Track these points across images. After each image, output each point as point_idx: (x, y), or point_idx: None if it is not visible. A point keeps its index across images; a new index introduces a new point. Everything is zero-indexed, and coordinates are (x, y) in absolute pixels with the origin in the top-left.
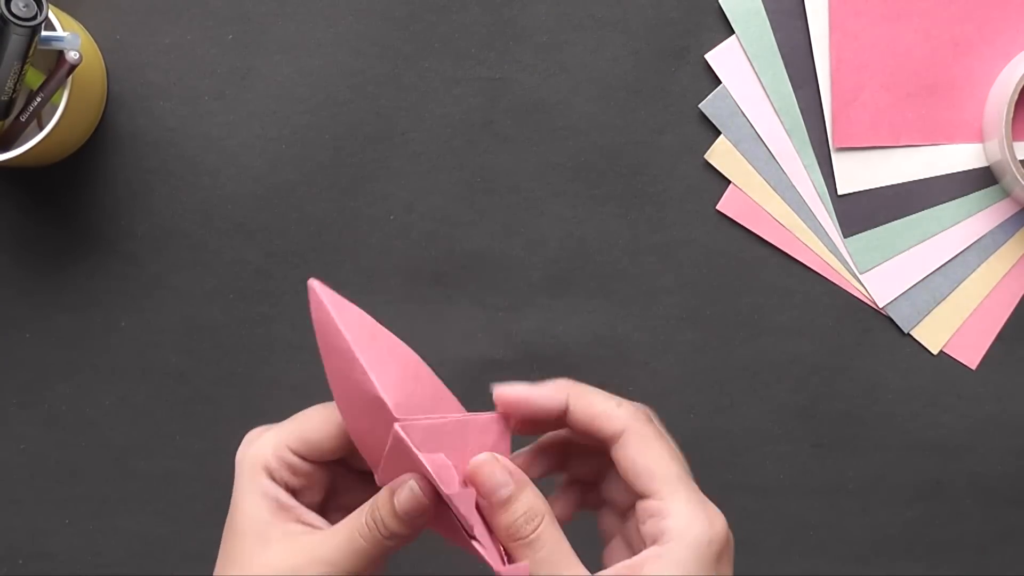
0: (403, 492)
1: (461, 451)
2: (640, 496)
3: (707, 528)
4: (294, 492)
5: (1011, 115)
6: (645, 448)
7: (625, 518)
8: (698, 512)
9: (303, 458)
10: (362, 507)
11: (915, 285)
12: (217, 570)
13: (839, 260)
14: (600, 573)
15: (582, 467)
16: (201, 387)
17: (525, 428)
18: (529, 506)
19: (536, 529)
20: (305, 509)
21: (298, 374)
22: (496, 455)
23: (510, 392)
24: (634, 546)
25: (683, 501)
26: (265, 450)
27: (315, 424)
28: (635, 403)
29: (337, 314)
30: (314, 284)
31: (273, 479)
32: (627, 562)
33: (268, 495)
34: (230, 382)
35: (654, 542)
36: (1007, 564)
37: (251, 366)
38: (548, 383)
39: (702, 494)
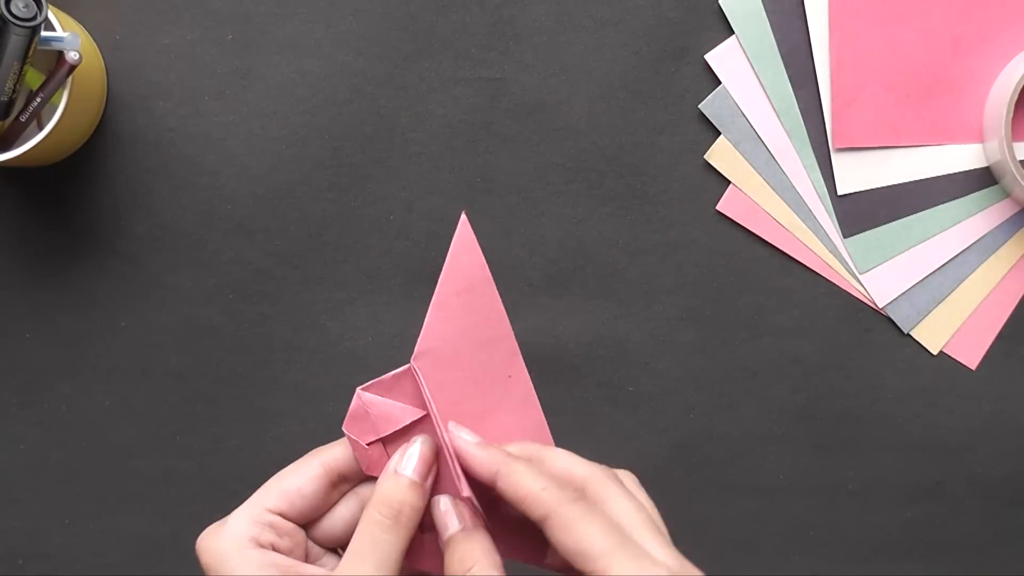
0: (411, 452)
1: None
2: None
3: None
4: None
5: (1011, 115)
6: (570, 531)
7: None
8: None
9: (284, 516)
10: (361, 522)
11: (915, 285)
12: None
13: (839, 260)
14: None
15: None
16: (201, 387)
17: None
18: (462, 554)
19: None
20: (302, 564)
21: (298, 374)
22: (448, 498)
23: (455, 442)
24: None
25: (620, 567)
26: (241, 524)
27: (289, 474)
28: (587, 468)
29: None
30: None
31: (260, 546)
32: None
33: (264, 564)
34: (230, 382)
35: None
36: (1007, 564)
37: (251, 366)
38: (491, 449)
39: (647, 558)
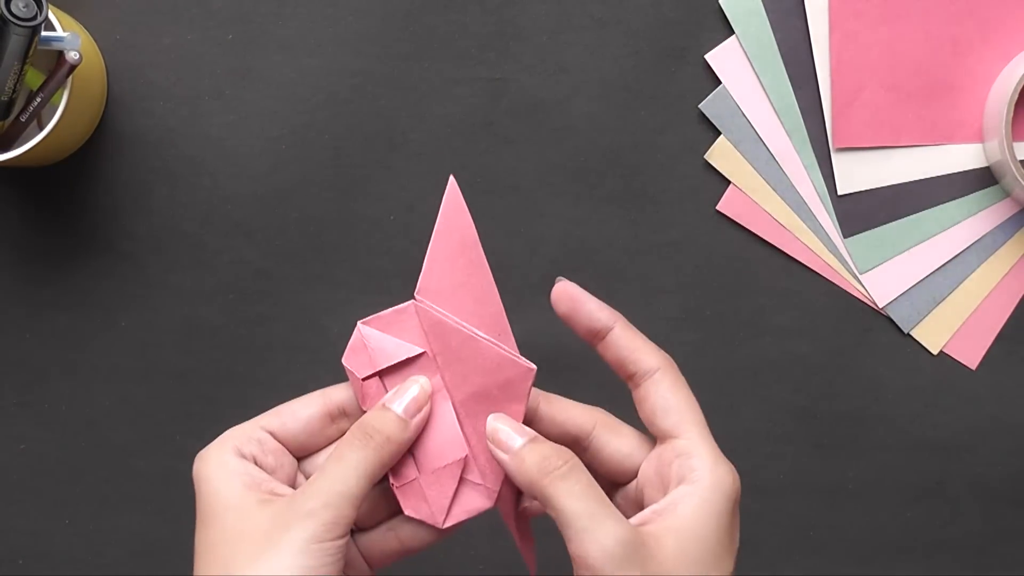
0: (406, 390)
1: (476, 375)
2: (663, 435)
3: (731, 475)
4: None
5: (1011, 115)
6: (678, 389)
7: (613, 488)
8: (721, 459)
9: (274, 435)
10: (343, 440)
11: (915, 285)
12: (198, 569)
13: (839, 260)
14: (638, 516)
15: (580, 416)
16: (201, 387)
17: (566, 321)
18: (555, 446)
19: (570, 460)
20: (278, 482)
21: (298, 374)
22: (503, 415)
23: (570, 290)
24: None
25: (710, 446)
26: (230, 435)
27: (292, 404)
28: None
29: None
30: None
31: (242, 455)
32: (659, 505)
33: (238, 472)
34: (230, 382)
35: (680, 482)
36: (1007, 564)
37: (251, 366)
38: (603, 305)
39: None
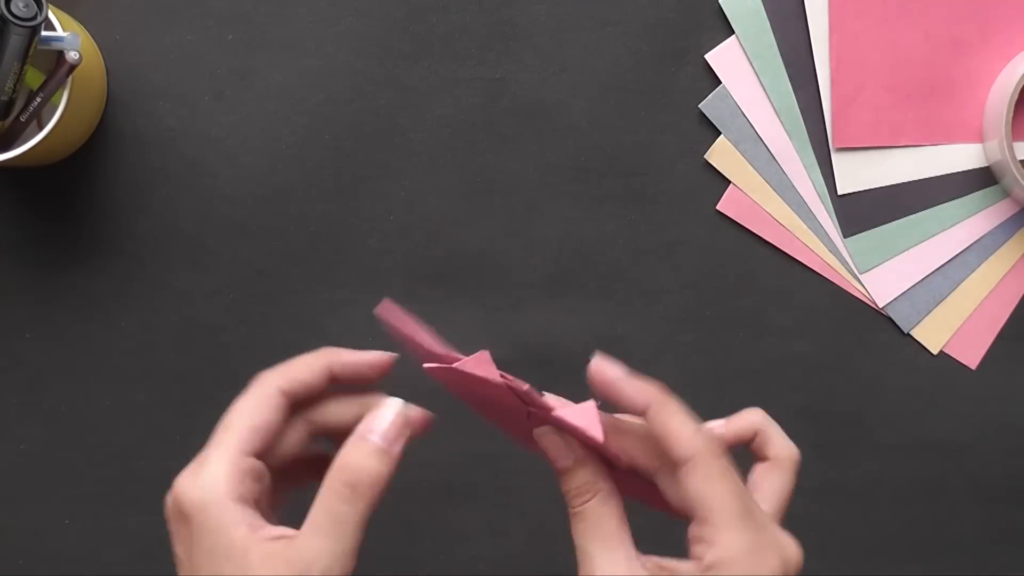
0: (381, 416)
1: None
2: (697, 522)
3: (751, 568)
4: (256, 504)
5: (1011, 115)
6: (707, 482)
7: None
8: (747, 554)
9: (256, 456)
10: (321, 489)
11: (915, 285)
12: None
13: (839, 260)
14: (653, 557)
15: (645, 456)
16: (201, 387)
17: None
18: (582, 482)
19: (585, 504)
20: (272, 526)
21: None
22: (551, 429)
23: (606, 372)
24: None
25: (735, 533)
26: (222, 474)
27: (258, 414)
28: (707, 431)
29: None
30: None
31: (243, 501)
32: (666, 561)
33: (242, 523)
34: (230, 382)
35: (696, 560)
36: (1007, 564)
37: (251, 366)
38: (640, 381)
39: (766, 534)
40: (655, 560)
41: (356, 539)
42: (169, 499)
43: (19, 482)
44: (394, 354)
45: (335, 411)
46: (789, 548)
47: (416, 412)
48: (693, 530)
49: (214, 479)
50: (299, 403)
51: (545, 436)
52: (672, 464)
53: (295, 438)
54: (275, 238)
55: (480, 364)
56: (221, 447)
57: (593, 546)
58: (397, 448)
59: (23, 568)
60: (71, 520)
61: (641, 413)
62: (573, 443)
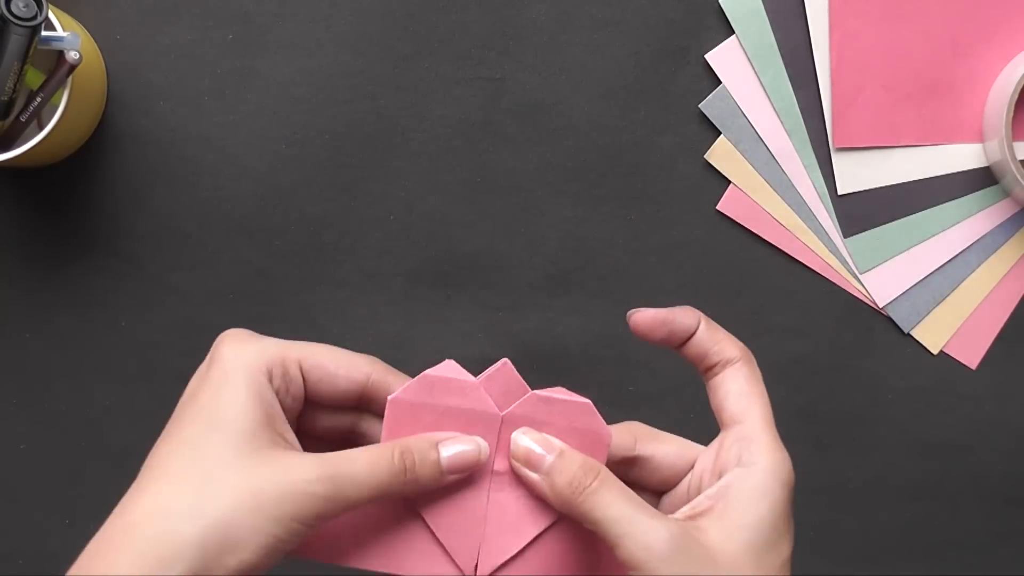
0: (461, 445)
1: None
2: (728, 421)
3: (787, 462)
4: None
5: (1011, 115)
6: (753, 381)
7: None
8: (779, 447)
9: (306, 380)
10: (375, 446)
11: (915, 285)
12: (168, 446)
13: (839, 260)
14: (691, 503)
15: (619, 436)
16: None
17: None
18: (582, 460)
19: (598, 476)
20: (289, 428)
21: None
22: (529, 429)
23: (651, 315)
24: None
25: (770, 435)
26: (270, 352)
27: (337, 358)
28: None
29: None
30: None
31: (271, 379)
32: (712, 489)
33: (264, 399)
34: None
35: (736, 464)
36: (1007, 564)
37: None
38: (684, 311)
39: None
40: (678, 515)
41: (367, 496)
42: (218, 339)
43: (19, 482)
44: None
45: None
46: (789, 463)
47: (486, 451)
48: (727, 436)
49: (261, 351)
50: (371, 409)
51: (526, 433)
52: (718, 367)
53: (345, 392)
54: (275, 238)
55: (450, 370)
56: (288, 343)
57: (634, 510)
58: (451, 479)
59: (23, 568)
60: (71, 520)
61: (694, 329)
62: (548, 437)
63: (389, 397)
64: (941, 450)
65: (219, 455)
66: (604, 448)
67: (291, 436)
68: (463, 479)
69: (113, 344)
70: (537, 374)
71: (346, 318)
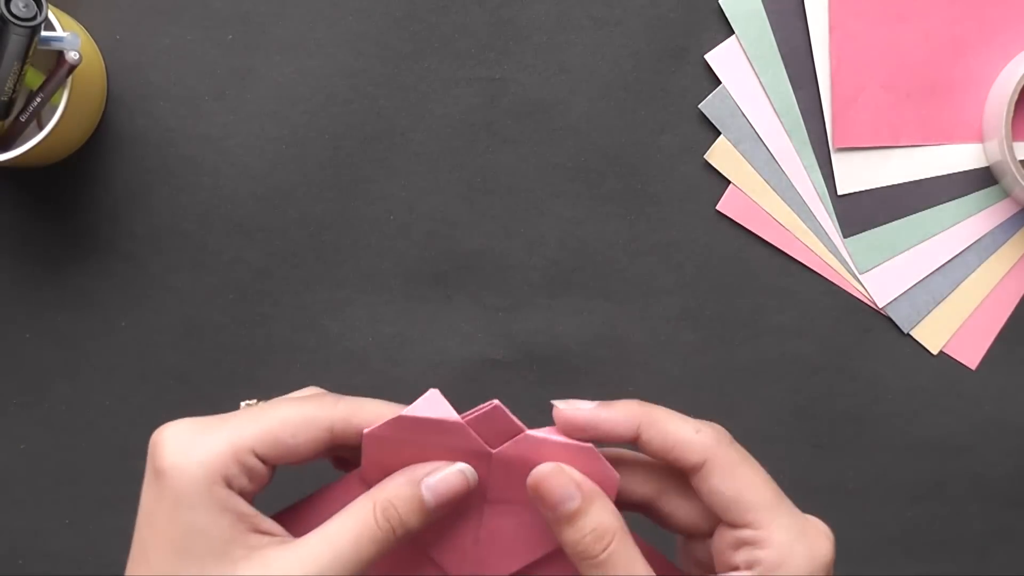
0: (448, 475)
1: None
2: (731, 526)
3: (807, 561)
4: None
5: (1011, 115)
6: (731, 477)
7: (692, 539)
8: (798, 542)
9: (265, 461)
10: (353, 509)
11: (915, 285)
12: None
13: (839, 260)
14: None
15: (640, 485)
16: (201, 387)
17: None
18: (598, 523)
19: (607, 548)
20: (262, 516)
21: (298, 374)
22: (562, 465)
23: (574, 415)
24: (704, 565)
25: (782, 529)
26: (220, 455)
27: (291, 426)
28: (712, 424)
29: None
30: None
31: (230, 487)
32: None
33: (228, 509)
34: (230, 382)
35: (747, 569)
36: (1007, 564)
37: (251, 366)
38: (616, 405)
39: (800, 515)
40: None
41: (361, 567)
42: (157, 440)
43: (19, 482)
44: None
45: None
46: (823, 526)
47: (474, 478)
48: (725, 537)
49: (209, 457)
50: (344, 446)
51: (549, 476)
52: (683, 475)
53: (313, 453)
54: (275, 238)
55: (432, 405)
56: (230, 430)
57: None
58: (440, 514)
59: (23, 568)
60: (71, 520)
61: (632, 437)
62: (579, 476)
63: (364, 432)
64: (941, 450)
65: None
66: (612, 492)
67: (266, 524)
68: (454, 509)
69: (113, 344)
70: (537, 374)
71: (346, 318)
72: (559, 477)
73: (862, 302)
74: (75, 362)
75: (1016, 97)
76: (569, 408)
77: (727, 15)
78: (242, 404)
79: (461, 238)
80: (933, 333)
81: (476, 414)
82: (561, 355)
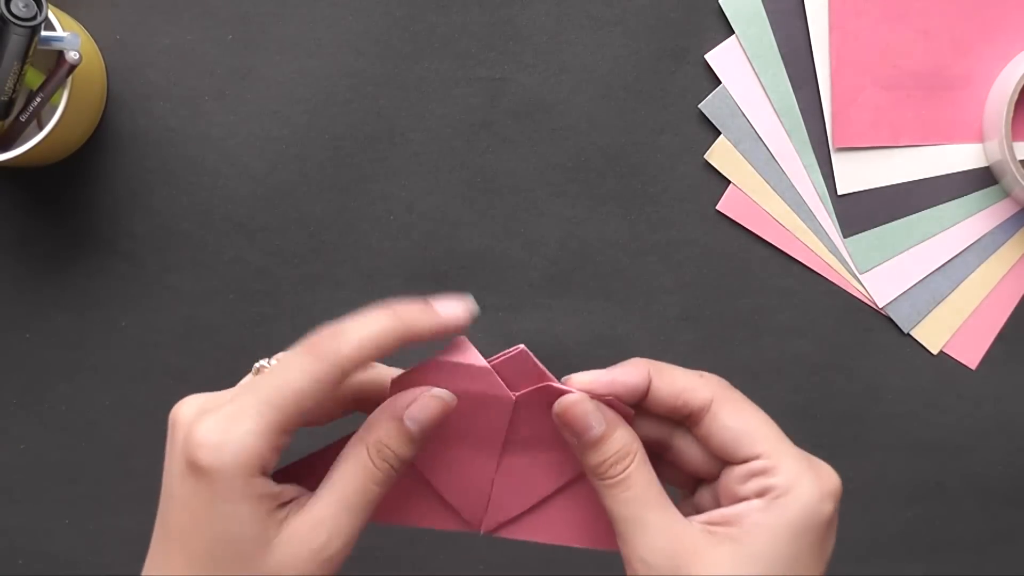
0: (425, 402)
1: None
2: (741, 461)
3: (816, 487)
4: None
5: (1011, 115)
6: (738, 413)
7: (695, 489)
8: (806, 470)
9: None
10: (350, 456)
11: (915, 285)
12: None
13: (839, 260)
14: (697, 516)
15: (654, 428)
16: (201, 387)
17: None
18: (621, 445)
19: (626, 469)
20: (283, 487)
21: None
22: (585, 395)
23: (588, 380)
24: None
25: (790, 458)
26: (257, 447)
27: (311, 396)
28: (712, 374)
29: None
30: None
31: (264, 474)
32: (725, 510)
33: (263, 495)
34: (230, 382)
35: (758, 497)
36: (1007, 564)
37: (251, 366)
38: (626, 363)
39: (806, 453)
40: (699, 519)
41: (366, 500)
42: (184, 428)
43: (19, 482)
44: (468, 309)
45: (376, 379)
46: (830, 469)
47: (452, 399)
48: (732, 474)
49: (245, 447)
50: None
51: (574, 404)
52: (694, 418)
53: (328, 406)
54: (275, 238)
55: (461, 351)
56: (263, 416)
57: (647, 512)
58: (428, 435)
59: (23, 568)
60: (71, 520)
61: (644, 387)
62: (601, 405)
63: (392, 378)
64: (941, 450)
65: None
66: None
67: (287, 492)
68: (473, 446)
69: (113, 344)
70: None
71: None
72: (585, 404)
73: (862, 302)
74: (75, 362)
75: (1016, 97)
76: (585, 376)
77: (727, 15)
78: (256, 365)
79: (461, 238)
80: (933, 333)
81: (503, 358)
82: (561, 355)
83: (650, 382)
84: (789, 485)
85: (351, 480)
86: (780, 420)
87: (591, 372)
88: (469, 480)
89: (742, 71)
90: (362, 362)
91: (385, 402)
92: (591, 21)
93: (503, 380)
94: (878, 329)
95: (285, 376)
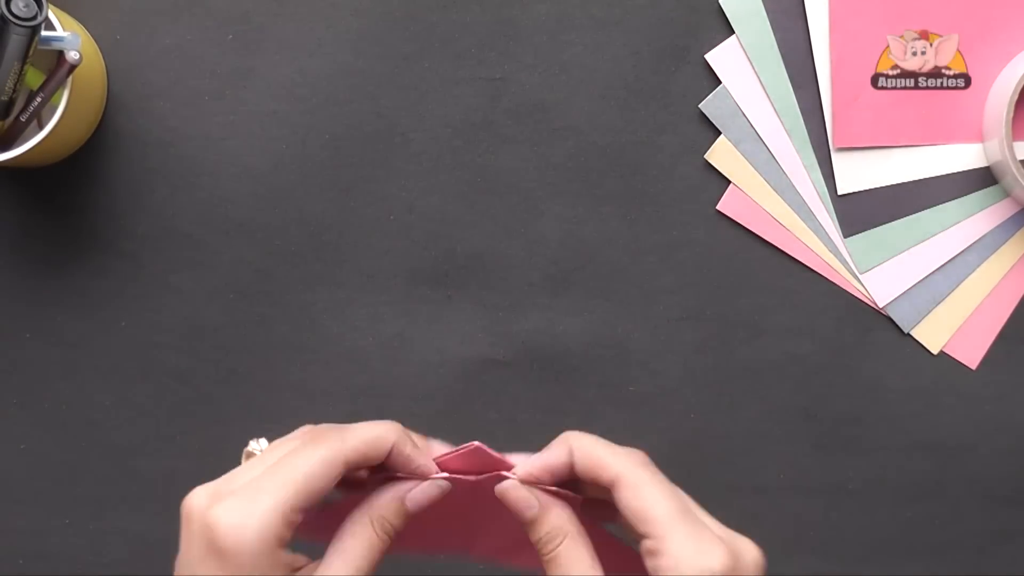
0: (425, 487)
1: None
2: (641, 537)
3: (696, 570)
4: None
5: (1011, 115)
6: (637, 491)
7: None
8: (691, 554)
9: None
10: (356, 528)
11: (915, 285)
12: None
13: (839, 260)
14: None
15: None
16: (201, 387)
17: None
18: (550, 528)
19: (555, 548)
20: (295, 555)
21: (298, 374)
22: (516, 482)
23: (526, 474)
24: None
25: (680, 538)
26: (274, 525)
27: (318, 476)
28: (632, 449)
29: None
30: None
31: (282, 547)
32: None
33: (282, 565)
34: (230, 382)
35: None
36: (1007, 564)
37: (251, 366)
38: (553, 444)
39: (710, 528)
40: None
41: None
42: (200, 515)
43: (19, 482)
44: (443, 480)
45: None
46: (742, 544)
47: (448, 487)
48: (641, 546)
49: (267, 524)
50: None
51: (509, 490)
52: (609, 490)
53: (333, 486)
54: (275, 238)
55: (478, 455)
56: (280, 494)
57: None
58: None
59: (23, 568)
60: (71, 520)
61: (570, 468)
62: (535, 491)
63: (437, 459)
64: (941, 450)
65: None
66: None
67: (299, 560)
68: (453, 494)
69: (113, 344)
70: (537, 374)
71: (346, 318)
72: (518, 490)
73: (862, 302)
74: (75, 362)
75: (1016, 97)
76: (524, 464)
77: (727, 15)
78: (249, 444)
79: (461, 238)
80: (933, 333)
81: (461, 452)
82: (561, 355)
83: (573, 454)
84: (672, 567)
85: (358, 547)
86: (780, 420)
87: (528, 460)
88: (449, 516)
89: (742, 71)
90: (362, 456)
91: (390, 486)
92: (591, 21)
93: (465, 470)
94: (878, 329)
95: (295, 460)
